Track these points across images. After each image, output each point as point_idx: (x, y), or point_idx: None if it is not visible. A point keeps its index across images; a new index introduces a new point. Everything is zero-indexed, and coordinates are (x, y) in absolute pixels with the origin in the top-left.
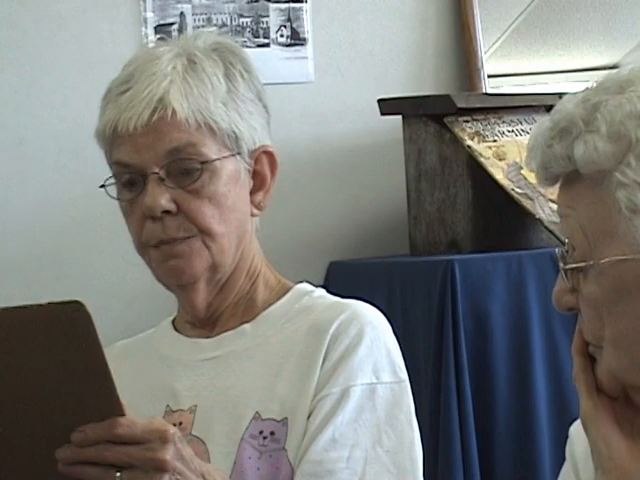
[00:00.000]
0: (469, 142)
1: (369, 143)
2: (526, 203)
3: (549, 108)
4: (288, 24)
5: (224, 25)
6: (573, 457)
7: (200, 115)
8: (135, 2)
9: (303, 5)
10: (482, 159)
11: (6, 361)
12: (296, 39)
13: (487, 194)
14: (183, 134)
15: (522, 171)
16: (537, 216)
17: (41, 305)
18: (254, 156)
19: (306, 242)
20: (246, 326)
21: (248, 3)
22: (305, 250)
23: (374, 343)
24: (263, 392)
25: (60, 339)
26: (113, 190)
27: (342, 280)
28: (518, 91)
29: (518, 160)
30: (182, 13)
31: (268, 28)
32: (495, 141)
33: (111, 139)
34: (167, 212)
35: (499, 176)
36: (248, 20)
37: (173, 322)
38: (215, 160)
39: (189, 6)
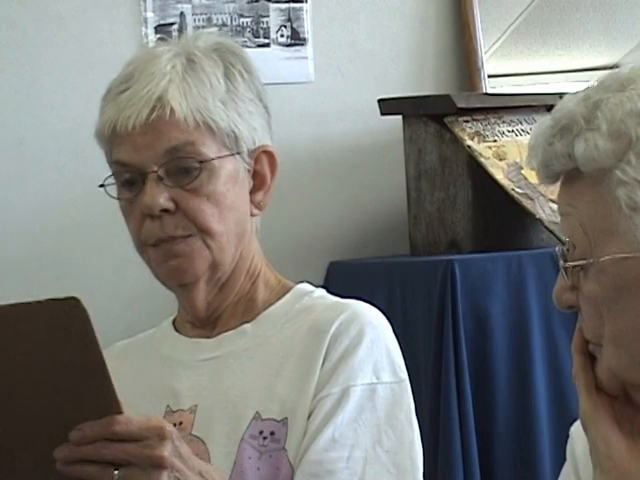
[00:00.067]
0: (469, 142)
1: (369, 143)
2: (526, 203)
3: (549, 108)
4: (288, 24)
5: (224, 25)
6: (574, 457)
7: (199, 114)
8: (135, 2)
9: (303, 5)
10: (482, 159)
11: (3, 358)
12: (296, 39)
13: (487, 194)
14: (182, 133)
15: (522, 171)
16: (537, 216)
17: (38, 302)
18: (254, 156)
19: (306, 242)
20: (246, 326)
21: (248, 3)
22: (305, 250)
23: (374, 343)
24: (263, 392)
25: (57, 336)
26: (113, 190)
27: (342, 280)
28: (518, 91)
29: (518, 160)
30: (182, 13)
31: (268, 28)
32: (495, 141)
33: (110, 138)
34: (166, 211)
35: (499, 176)
36: (248, 20)
37: (173, 322)
38: (214, 159)
39: (189, 6)
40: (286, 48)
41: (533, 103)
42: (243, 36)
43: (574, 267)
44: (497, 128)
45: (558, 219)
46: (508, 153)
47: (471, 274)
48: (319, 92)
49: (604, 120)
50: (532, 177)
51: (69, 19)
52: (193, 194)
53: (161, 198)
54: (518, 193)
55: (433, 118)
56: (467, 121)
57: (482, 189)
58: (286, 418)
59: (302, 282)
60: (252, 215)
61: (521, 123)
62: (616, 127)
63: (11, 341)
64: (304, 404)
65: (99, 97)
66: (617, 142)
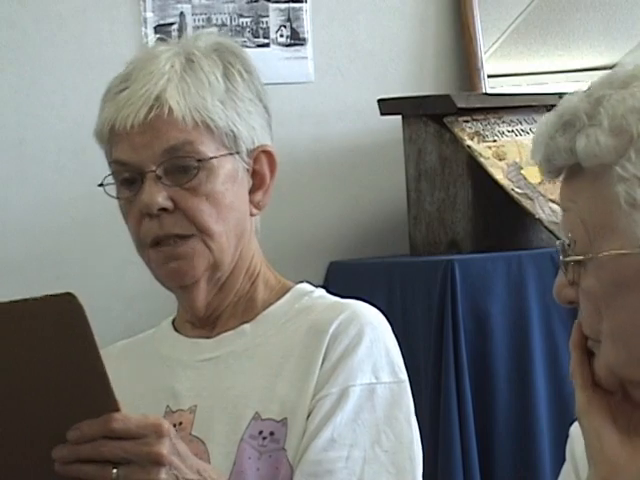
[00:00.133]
0: (469, 142)
1: (369, 143)
2: (526, 203)
3: (549, 108)
4: (288, 24)
5: (224, 25)
6: (573, 457)
7: (197, 113)
8: (135, 2)
9: (303, 5)
10: (482, 159)
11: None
12: (296, 39)
13: (487, 194)
14: (180, 132)
15: (522, 171)
16: (537, 216)
17: (33, 298)
18: (253, 155)
19: (306, 242)
20: (246, 326)
21: (248, 3)
22: (305, 250)
23: (374, 343)
24: (263, 392)
25: (53, 332)
26: (112, 189)
27: (342, 280)
28: (518, 91)
29: (518, 160)
30: (182, 13)
31: (268, 28)
32: (495, 141)
33: (109, 138)
34: (164, 210)
35: (499, 176)
36: (248, 20)
37: (173, 322)
38: (212, 158)
39: (189, 6)
40: (286, 48)
41: (533, 103)
42: (243, 36)
43: (574, 262)
44: (497, 128)
45: (558, 219)
46: (508, 153)
47: (471, 274)
48: (319, 92)
49: (606, 116)
50: (532, 177)
51: (69, 19)
52: (192, 193)
53: (159, 197)
54: (518, 193)
55: (433, 118)
56: (467, 121)
57: (482, 189)
58: (285, 418)
59: (302, 282)
60: (251, 215)
61: (521, 123)
62: (617, 123)
63: (6, 338)
64: (303, 404)
65: (99, 97)
66: (618, 138)
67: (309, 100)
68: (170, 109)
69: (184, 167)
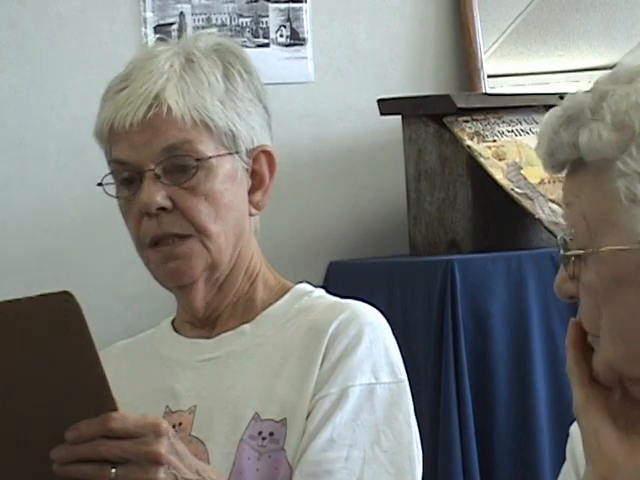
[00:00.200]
0: (469, 142)
1: (369, 143)
2: (526, 203)
3: (549, 108)
4: (288, 24)
5: (224, 25)
6: (574, 456)
7: (196, 113)
8: (135, 2)
9: (303, 5)
10: (482, 159)
11: None
12: (296, 39)
13: (487, 194)
14: (179, 131)
15: (522, 171)
16: (537, 216)
17: (30, 298)
18: (252, 155)
19: (306, 242)
20: (245, 326)
21: (248, 3)
22: (305, 250)
23: (373, 343)
24: (263, 392)
25: (50, 331)
26: (112, 189)
27: (342, 280)
28: (518, 91)
29: (518, 160)
30: (182, 13)
31: (268, 28)
32: (495, 141)
33: (108, 137)
34: (163, 209)
35: (499, 176)
36: (248, 20)
37: (172, 323)
38: (211, 158)
39: (189, 6)
40: (286, 48)
41: (533, 103)
42: (242, 36)
43: (575, 257)
44: (497, 128)
45: (558, 219)
46: (508, 153)
47: (471, 274)
48: (319, 92)
49: (609, 111)
50: (531, 177)
51: (69, 19)
52: (190, 193)
53: (158, 196)
54: (518, 193)
55: (433, 118)
56: (467, 121)
57: (482, 189)
58: (285, 418)
59: (301, 282)
60: (250, 215)
61: (521, 123)
62: (620, 119)
63: (3, 338)
64: (303, 404)
65: (99, 97)
66: (620, 133)
67: (309, 100)
68: (169, 108)
69: (183, 166)
